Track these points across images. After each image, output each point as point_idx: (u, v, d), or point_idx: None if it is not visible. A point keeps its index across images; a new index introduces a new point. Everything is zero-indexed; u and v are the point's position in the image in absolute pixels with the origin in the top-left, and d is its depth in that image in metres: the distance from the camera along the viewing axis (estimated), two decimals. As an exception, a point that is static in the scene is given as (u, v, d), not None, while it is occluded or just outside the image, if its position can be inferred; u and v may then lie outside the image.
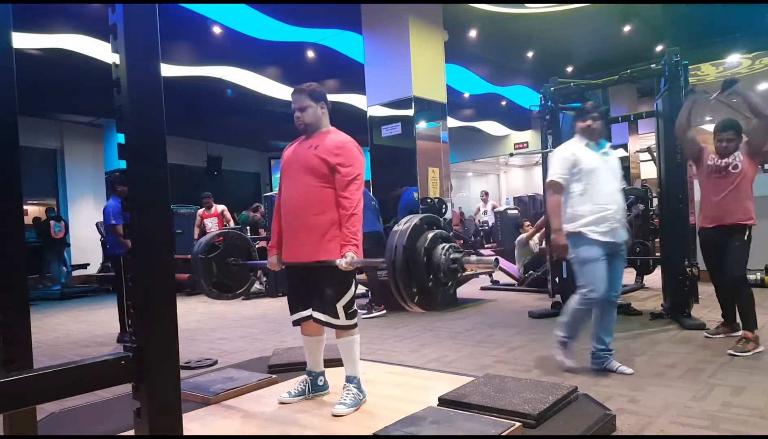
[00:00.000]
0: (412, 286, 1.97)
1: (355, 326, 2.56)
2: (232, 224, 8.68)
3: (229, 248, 2.90)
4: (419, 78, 7.20)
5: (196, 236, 8.43)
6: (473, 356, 3.87)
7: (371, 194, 6.44)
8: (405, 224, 2.01)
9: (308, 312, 2.59)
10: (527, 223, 9.53)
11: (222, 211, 8.76)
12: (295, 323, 2.67)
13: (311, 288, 2.56)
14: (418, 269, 1.96)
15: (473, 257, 2.00)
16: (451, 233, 2.15)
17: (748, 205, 3.71)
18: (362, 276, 6.32)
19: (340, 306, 2.49)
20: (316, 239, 2.49)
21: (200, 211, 8.92)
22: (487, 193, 13.44)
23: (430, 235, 2.01)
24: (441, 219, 2.17)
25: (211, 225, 8.61)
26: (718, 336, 3.97)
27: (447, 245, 2.03)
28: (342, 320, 2.50)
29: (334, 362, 2.98)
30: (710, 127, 4.01)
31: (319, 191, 2.51)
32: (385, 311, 5.93)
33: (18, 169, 1.49)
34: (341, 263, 2.38)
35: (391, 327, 5.19)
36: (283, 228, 2.65)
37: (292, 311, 2.67)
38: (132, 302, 1.18)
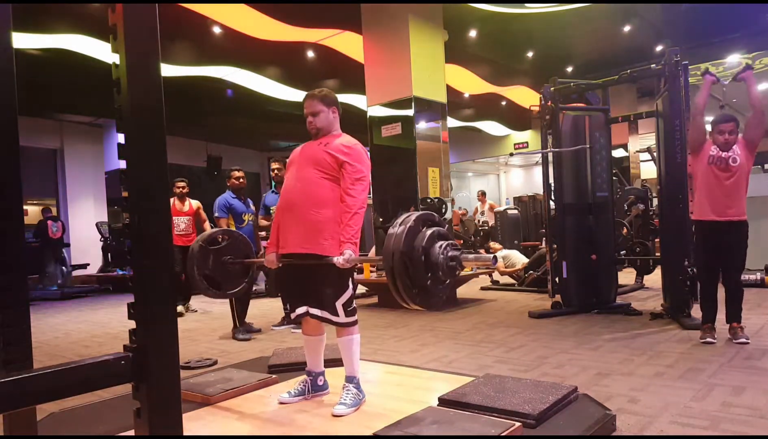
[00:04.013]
0: (411, 287, 1.96)
1: (354, 323, 2.56)
2: (207, 225, 6.74)
3: (231, 246, 2.86)
4: (419, 78, 7.20)
5: None
6: (473, 356, 3.87)
7: None
8: (400, 225, 1.98)
9: (305, 308, 2.58)
10: (492, 243, 9.46)
11: (198, 209, 6.82)
12: (296, 318, 2.65)
13: (307, 286, 2.55)
14: (416, 269, 1.95)
15: (471, 255, 1.98)
16: (446, 227, 2.14)
17: (745, 200, 3.90)
18: (362, 276, 6.32)
19: (339, 304, 2.49)
20: (311, 235, 2.48)
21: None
22: (484, 193, 13.41)
23: (428, 233, 1.99)
24: (438, 216, 2.15)
25: (184, 226, 6.61)
26: (706, 340, 3.89)
27: (444, 243, 2.01)
28: (342, 318, 2.51)
29: (334, 362, 2.99)
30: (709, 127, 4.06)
31: (320, 185, 2.51)
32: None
33: (18, 169, 1.49)
34: (339, 260, 2.37)
35: (391, 327, 5.19)
36: (280, 222, 2.64)
37: (293, 308, 2.63)
38: (132, 302, 1.18)
